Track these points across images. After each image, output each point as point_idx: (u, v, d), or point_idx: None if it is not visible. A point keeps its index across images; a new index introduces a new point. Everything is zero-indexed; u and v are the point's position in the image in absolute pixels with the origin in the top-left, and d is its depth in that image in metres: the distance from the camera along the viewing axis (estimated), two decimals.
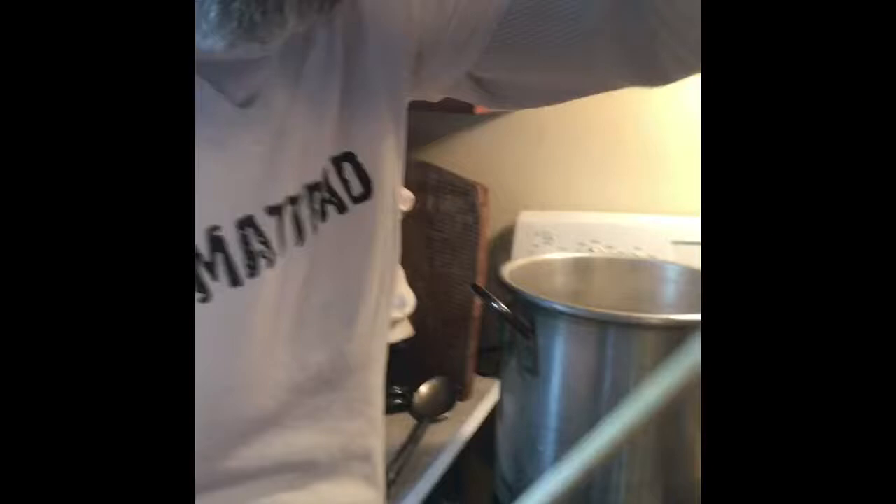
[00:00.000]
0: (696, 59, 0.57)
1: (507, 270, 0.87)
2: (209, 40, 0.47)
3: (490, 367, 1.14)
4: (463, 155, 1.26)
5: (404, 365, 1.03)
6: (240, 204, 0.54)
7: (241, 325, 0.54)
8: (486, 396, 1.12)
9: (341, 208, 0.59)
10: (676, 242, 1.11)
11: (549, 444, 0.81)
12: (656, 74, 0.62)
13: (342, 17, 0.59)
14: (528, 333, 0.79)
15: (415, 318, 1.10)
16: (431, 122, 1.24)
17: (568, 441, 0.80)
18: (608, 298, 0.93)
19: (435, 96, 0.68)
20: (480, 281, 1.09)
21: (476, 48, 0.62)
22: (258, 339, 0.55)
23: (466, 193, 1.11)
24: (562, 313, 0.78)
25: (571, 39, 0.60)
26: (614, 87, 0.66)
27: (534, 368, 0.80)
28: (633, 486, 0.80)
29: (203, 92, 0.52)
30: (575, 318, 0.78)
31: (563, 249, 1.14)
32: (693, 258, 1.06)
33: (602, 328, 0.78)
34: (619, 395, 0.77)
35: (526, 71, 0.65)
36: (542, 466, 0.82)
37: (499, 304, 0.80)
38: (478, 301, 1.10)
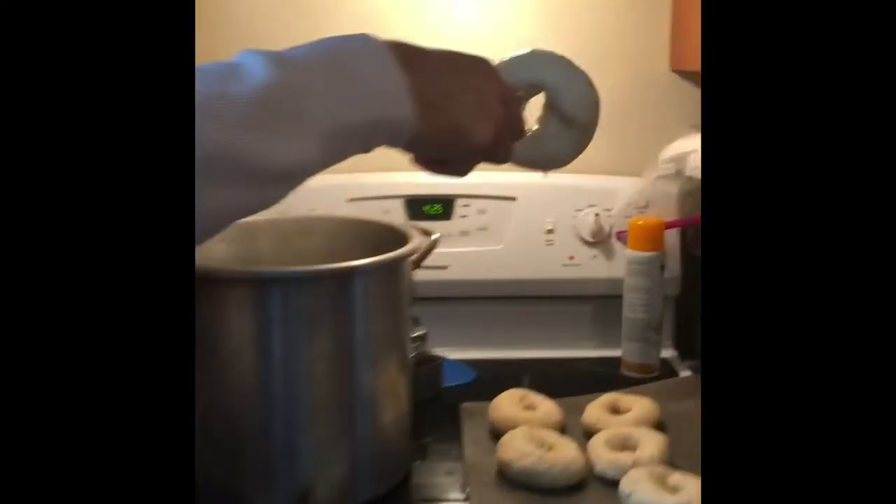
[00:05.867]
0: None
1: None
2: None
3: None
4: None
5: None
6: None
7: None
8: None
9: None
10: (352, 200, 1.10)
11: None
12: None
13: None
14: None
15: None
16: None
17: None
18: (278, 261, 0.89)
19: None
20: None
21: None
22: None
23: None
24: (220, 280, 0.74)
25: None
26: None
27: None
28: (320, 443, 0.78)
29: None
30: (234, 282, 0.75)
31: None
32: (368, 210, 1.05)
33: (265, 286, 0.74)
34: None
35: None
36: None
37: None
38: None
